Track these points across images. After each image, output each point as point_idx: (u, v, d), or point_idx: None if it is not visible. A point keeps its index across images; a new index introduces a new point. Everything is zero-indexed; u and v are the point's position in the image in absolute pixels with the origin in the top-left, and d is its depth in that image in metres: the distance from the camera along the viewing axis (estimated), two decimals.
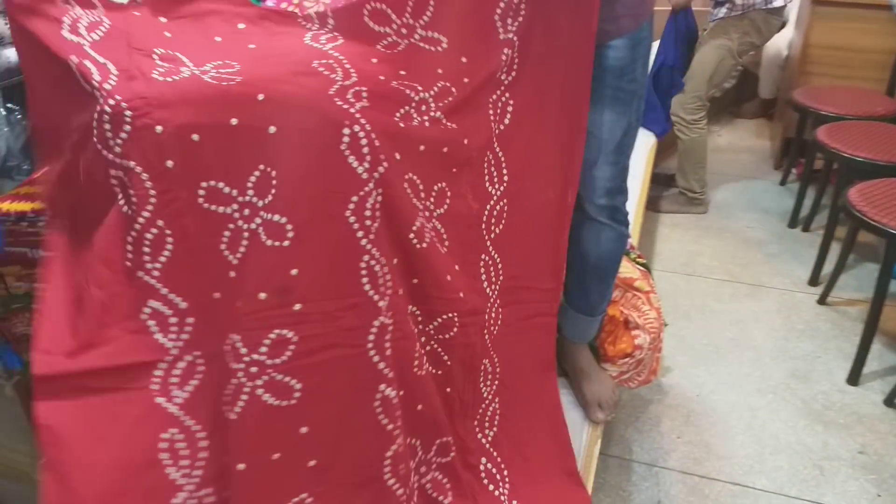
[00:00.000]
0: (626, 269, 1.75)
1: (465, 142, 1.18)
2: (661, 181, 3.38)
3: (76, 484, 0.94)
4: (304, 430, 1.03)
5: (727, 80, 3.42)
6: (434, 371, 1.18)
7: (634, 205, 2.35)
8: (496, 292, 1.30)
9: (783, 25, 3.66)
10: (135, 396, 0.99)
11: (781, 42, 3.74)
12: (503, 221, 1.29)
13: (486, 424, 1.31)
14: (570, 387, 1.61)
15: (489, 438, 1.32)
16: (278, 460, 1.02)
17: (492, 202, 1.27)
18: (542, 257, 1.36)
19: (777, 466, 1.85)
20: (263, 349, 1.00)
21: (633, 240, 2.11)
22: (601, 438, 1.58)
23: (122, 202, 0.98)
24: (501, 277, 1.30)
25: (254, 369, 1.00)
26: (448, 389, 1.20)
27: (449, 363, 1.20)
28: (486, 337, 1.29)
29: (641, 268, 1.83)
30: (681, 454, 1.89)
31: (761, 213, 3.17)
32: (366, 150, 1.02)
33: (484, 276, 1.27)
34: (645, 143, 2.85)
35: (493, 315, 1.30)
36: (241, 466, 1.01)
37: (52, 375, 0.95)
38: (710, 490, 1.78)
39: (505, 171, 1.28)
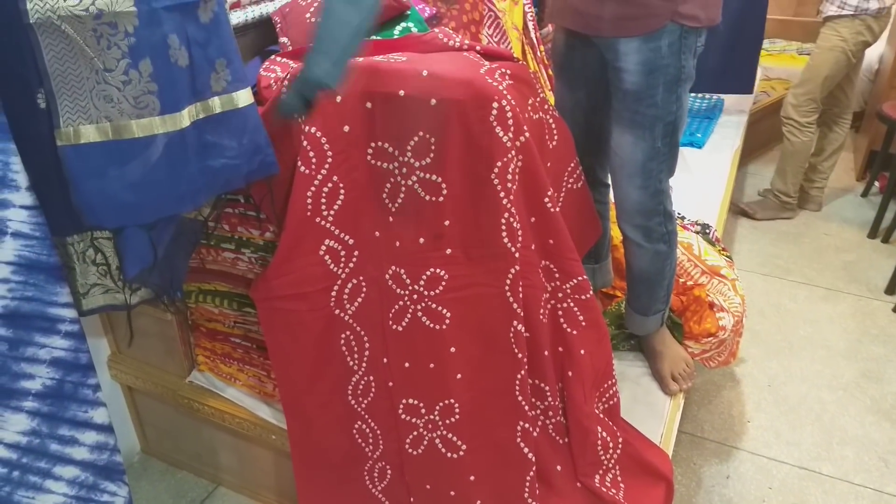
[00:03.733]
0: (714, 259, 1.87)
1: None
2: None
3: (280, 364, 1.33)
4: (452, 349, 1.25)
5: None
6: (570, 330, 1.33)
7: (718, 205, 2.46)
8: None
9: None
10: (318, 309, 1.27)
11: (873, 56, 3.74)
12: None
13: (605, 398, 1.44)
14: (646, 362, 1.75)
15: (601, 410, 1.44)
16: (433, 369, 1.26)
17: None
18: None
19: (843, 456, 1.94)
20: (422, 282, 1.23)
21: (718, 233, 2.22)
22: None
23: (301, 165, 1.20)
24: None
25: (415, 296, 1.24)
26: (582, 351, 1.34)
27: (584, 323, 1.34)
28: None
29: (726, 258, 1.95)
30: (750, 436, 2.00)
31: (841, 222, 3.22)
32: (510, 122, 1.18)
33: None
34: (730, 146, 2.94)
35: None
36: (406, 365, 1.28)
37: (258, 298, 1.29)
38: (778, 471, 1.89)
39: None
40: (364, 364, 1.34)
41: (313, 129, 1.20)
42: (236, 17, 1.46)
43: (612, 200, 1.79)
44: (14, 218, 1.06)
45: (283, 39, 1.47)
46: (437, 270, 1.25)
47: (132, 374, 1.67)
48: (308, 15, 1.45)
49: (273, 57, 1.41)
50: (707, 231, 2.15)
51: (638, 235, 1.50)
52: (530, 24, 2.03)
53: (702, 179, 2.62)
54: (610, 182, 1.75)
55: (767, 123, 3.58)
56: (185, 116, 1.07)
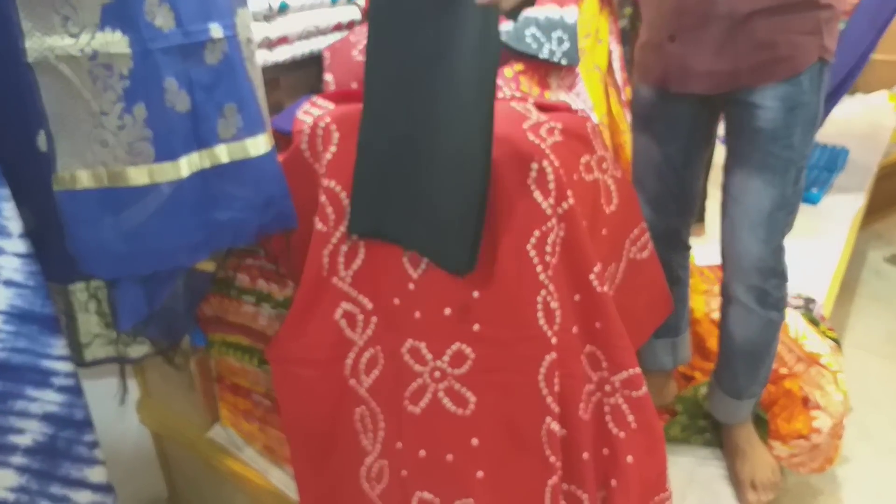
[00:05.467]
0: (814, 343, 1.60)
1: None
2: None
3: (293, 435, 1.24)
4: (475, 441, 1.09)
5: None
6: (617, 432, 1.14)
7: (830, 275, 2.15)
8: None
9: None
10: (332, 379, 1.18)
11: None
12: None
13: None
14: (723, 460, 1.51)
15: None
16: (452, 462, 1.11)
17: None
18: None
19: None
20: (446, 358, 1.09)
21: (826, 311, 1.93)
22: None
23: (318, 222, 1.10)
24: None
25: (437, 374, 1.10)
26: (630, 458, 1.14)
27: (634, 426, 1.14)
28: None
29: (832, 342, 1.67)
30: None
31: None
32: (552, 185, 1.02)
33: None
34: (852, 204, 2.61)
35: None
36: (422, 453, 1.13)
37: (272, 359, 1.22)
38: None
39: None
40: (378, 446, 1.19)
41: (332, 184, 1.09)
42: (283, 54, 1.38)
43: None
44: (6, 265, 1.00)
45: (328, 77, 1.37)
46: (463, 347, 1.10)
47: (159, 420, 1.62)
48: (355, 53, 1.35)
49: (314, 98, 1.31)
50: (811, 307, 1.87)
51: (751, 299, 1.31)
52: (616, 65, 1.85)
53: (813, 243, 2.31)
54: (690, 244, 1.55)
55: None
56: (184, 166, 0.98)
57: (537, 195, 1.01)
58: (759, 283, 1.30)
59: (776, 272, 1.31)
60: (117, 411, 1.57)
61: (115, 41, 0.91)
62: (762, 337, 1.37)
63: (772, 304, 1.32)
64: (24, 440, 1.08)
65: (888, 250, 3.05)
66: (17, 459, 1.09)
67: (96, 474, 1.17)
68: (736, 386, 1.43)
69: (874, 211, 3.07)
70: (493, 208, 1.03)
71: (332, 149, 1.09)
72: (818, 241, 2.32)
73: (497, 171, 1.02)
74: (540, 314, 1.04)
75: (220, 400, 1.50)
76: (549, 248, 1.03)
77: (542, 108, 1.19)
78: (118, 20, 0.90)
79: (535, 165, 1.01)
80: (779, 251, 1.30)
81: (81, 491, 1.17)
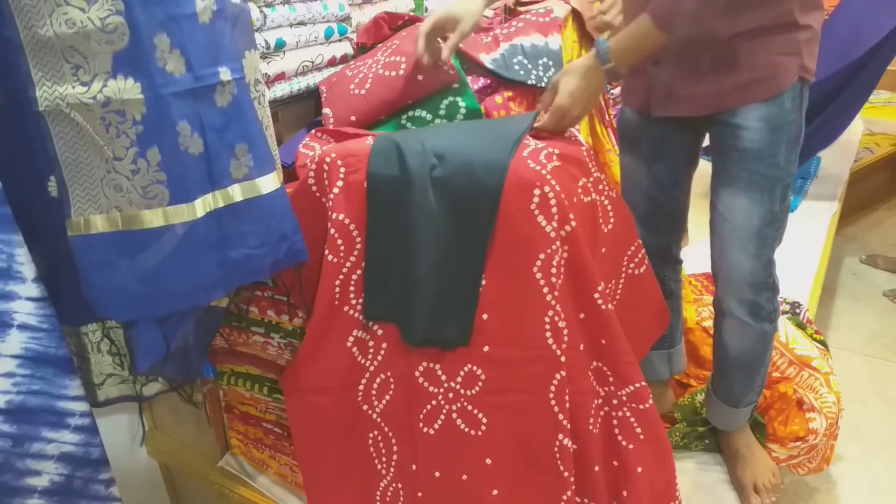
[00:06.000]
0: (804, 347, 1.65)
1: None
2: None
3: (308, 462, 1.27)
4: (488, 461, 1.12)
5: None
6: (626, 444, 1.16)
7: (811, 279, 2.22)
8: None
9: None
10: (345, 405, 1.21)
11: None
12: None
13: None
14: (724, 465, 1.54)
15: None
16: (466, 482, 1.14)
17: None
18: None
19: None
20: (459, 378, 1.11)
21: (810, 313, 1.99)
22: None
23: (328, 254, 1.14)
24: None
25: (451, 395, 1.13)
26: (639, 469, 1.16)
27: (642, 437, 1.16)
28: None
29: (820, 345, 1.72)
30: None
31: None
32: (555, 209, 1.05)
33: None
34: (826, 210, 2.69)
35: None
36: (437, 474, 1.16)
37: (286, 389, 1.25)
38: None
39: None
40: (392, 469, 1.21)
41: (341, 216, 1.12)
42: (281, 90, 1.41)
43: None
44: (20, 310, 1.01)
45: (326, 110, 1.40)
46: (475, 368, 1.13)
47: (168, 452, 1.62)
48: (352, 87, 1.38)
49: (314, 132, 1.34)
50: (797, 311, 1.93)
51: (744, 312, 1.34)
52: None
53: (793, 249, 2.36)
54: (681, 258, 1.60)
55: (869, 183, 3.28)
56: (199, 207, 1.00)
57: (541, 219, 1.05)
58: (751, 296, 1.32)
59: (767, 285, 1.33)
60: (126, 446, 1.58)
61: (127, 88, 0.92)
62: (756, 348, 1.39)
63: (764, 316, 1.35)
64: (40, 482, 1.09)
65: (862, 252, 3.13)
66: (34, 502, 1.09)
67: None
68: (732, 395, 1.45)
69: (847, 215, 3.16)
70: (499, 233, 1.07)
71: (339, 183, 1.12)
72: (798, 247, 2.38)
73: (501, 197, 1.05)
74: (548, 333, 1.08)
75: (230, 429, 1.51)
76: (554, 270, 1.06)
77: (537, 135, 1.23)
78: (130, 67, 0.92)
79: (537, 191, 1.04)
80: (769, 265, 1.32)
81: None
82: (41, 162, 0.99)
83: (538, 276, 1.06)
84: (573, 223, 1.06)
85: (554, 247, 1.05)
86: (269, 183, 1.07)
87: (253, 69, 1.03)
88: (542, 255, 1.06)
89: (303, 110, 1.53)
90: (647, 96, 1.34)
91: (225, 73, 0.99)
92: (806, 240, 2.45)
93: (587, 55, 1.20)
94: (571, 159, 1.15)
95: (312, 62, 1.44)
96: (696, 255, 1.83)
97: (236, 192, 1.05)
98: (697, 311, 1.82)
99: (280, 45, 1.35)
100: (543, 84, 1.46)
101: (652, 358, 1.60)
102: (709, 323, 1.69)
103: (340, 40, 1.51)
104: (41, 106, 0.94)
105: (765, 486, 1.45)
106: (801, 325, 1.81)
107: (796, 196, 2.76)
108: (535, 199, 1.05)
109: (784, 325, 1.70)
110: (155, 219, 0.98)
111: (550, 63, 1.48)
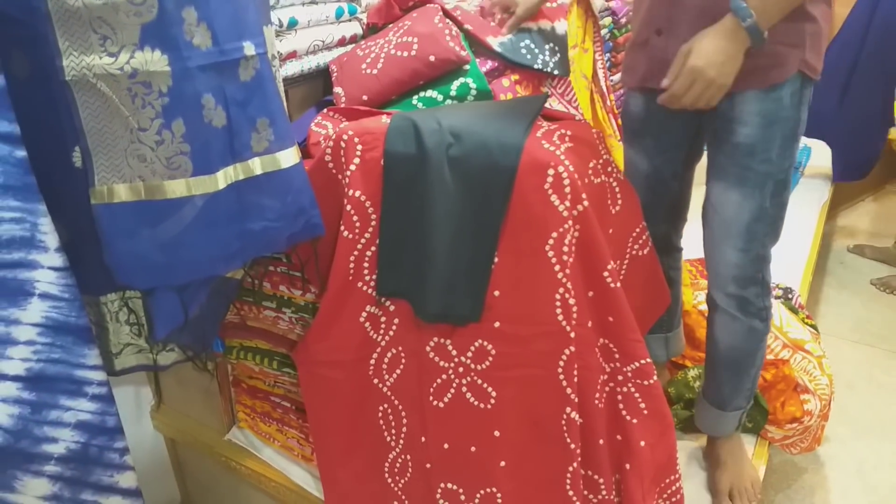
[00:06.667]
0: (797, 330, 1.70)
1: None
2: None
3: (319, 433, 1.31)
4: (496, 433, 1.15)
5: None
6: (630, 419, 1.20)
7: (802, 265, 2.27)
8: None
9: None
10: (356, 379, 1.24)
11: None
12: None
13: (667, 495, 1.28)
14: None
15: None
16: (475, 453, 1.17)
17: None
18: None
19: None
20: (469, 353, 1.14)
21: (802, 299, 2.04)
22: None
23: (343, 230, 1.16)
24: None
25: (461, 369, 1.15)
26: (642, 443, 1.19)
27: (646, 412, 1.19)
28: None
29: (811, 329, 1.77)
30: None
31: None
32: (567, 189, 1.08)
33: None
34: (817, 199, 2.74)
35: None
36: (446, 446, 1.19)
37: (299, 361, 1.28)
38: None
39: None
40: (401, 441, 1.24)
41: (357, 193, 1.14)
42: (293, 68, 1.42)
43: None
44: (42, 279, 1.02)
45: (338, 90, 1.41)
46: (485, 343, 1.15)
47: (174, 426, 1.64)
48: (364, 66, 1.40)
49: (326, 111, 1.35)
50: (790, 296, 1.97)
51: (732, 306, 1.33)
52: (600, 73, 1.94)
53: (784, 236, 2.42)
54: (681, 246, 1.63)
55: None
56: (220, 179, 1.02)
57: (554, 199, 1.07)
58: (736, 290, 1.31)
59: (756, 281, 1.31)
60: (132, 418, 1.59)
61: (154, 60, 0.94)
62: (745, 345, 1.37)
63: (754, 312, 1.33)
64: (57, 449, 1.10)
65: (850, 241, 3.20)
66: (51, 468, 1.11)
67: (126, 479, 1.20)
68: (720, 396, 1.43)
69: (835, 205, 3.22)
70: (513, 212, 1.09)
71: (356, 160, 1.13)
72: (790, 234, 2.42)
73: (516, 177, 1.08)
74: (559, 310, 1.11)
75: (237, 403, 1.53)
76: (566, 249, 1.09)
77: (548, 116, 1.26)
78: (158, 39, 0.93)
79: (551, 171, 1.07)
80: (758, 261, 1.30)
81: (112, 496, 1.19)
82: (66, 132, 1.00)
83: (550, 254, 1.09)
84: (585, 203, 1.09)
85: (566, 226, 1.08)
86: (288, 157, 1.09)
87: (271, 44, 1.05)
88: (554, 234, 1.08)
89: (311, 89, 1.54)
90: (648, 70, 1.30)
91: (249, 48, 1.00)
92: (798, 226, 2.51)
93: (722, 20, 1.09)
94: (583, 141, 1.17)
95: (323, 41, 1.45)
96: (690, 241, 1.87)
97: (256, 166, 1.06)
98: (694, 295, 1.86)
99: (293, 24, 1.36)
100: (549, 69, 1.48)
101: (649, 341, 1.62)
102: (704, 306, 1.73)
103: (350, 20, 1.52)
104: (68, 76, 0.94)
105: (740, 494, 1.42)
106: (793, 310, 1.86)
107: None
108: (549, 179, 1.07)
109: (777, 309, 1.74)
110: (178, 189, 1.00)
111: (557, 48, 1.51)
